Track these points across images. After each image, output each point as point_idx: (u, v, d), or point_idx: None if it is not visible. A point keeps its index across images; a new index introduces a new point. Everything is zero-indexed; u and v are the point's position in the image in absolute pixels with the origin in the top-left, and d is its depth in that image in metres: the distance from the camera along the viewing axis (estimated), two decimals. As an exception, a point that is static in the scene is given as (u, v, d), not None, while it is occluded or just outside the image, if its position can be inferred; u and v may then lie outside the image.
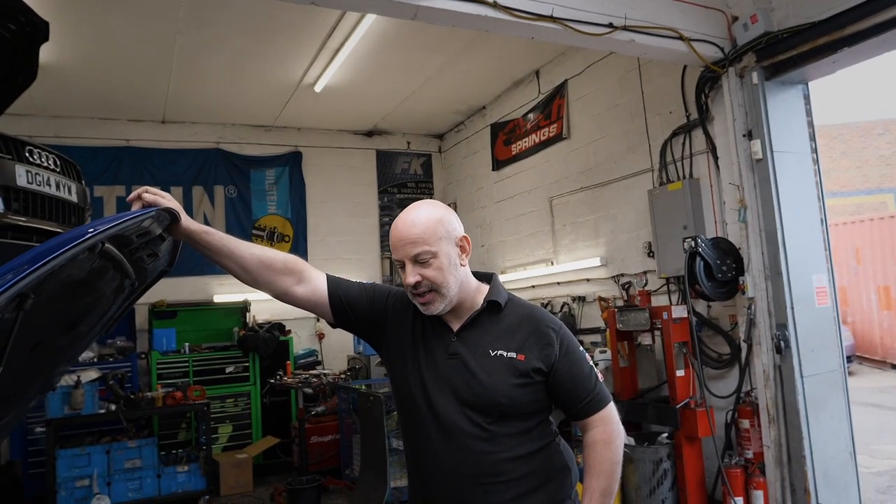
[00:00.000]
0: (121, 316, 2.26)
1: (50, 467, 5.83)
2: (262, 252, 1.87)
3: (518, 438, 1.80)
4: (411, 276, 1.80)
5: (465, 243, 1.89)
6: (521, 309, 1.92)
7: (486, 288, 1.94)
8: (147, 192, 1.72)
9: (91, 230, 1.29)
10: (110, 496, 5.90)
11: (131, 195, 1.71)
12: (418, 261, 1.80)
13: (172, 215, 1.71)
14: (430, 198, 9.67)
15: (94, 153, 7.67)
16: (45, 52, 5.82)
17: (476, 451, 1.77)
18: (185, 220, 1.78)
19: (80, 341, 2.15)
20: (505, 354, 1.82)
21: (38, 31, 2.83)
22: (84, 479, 5.92)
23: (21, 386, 2.01)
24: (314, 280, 1.93)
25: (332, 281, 1.96)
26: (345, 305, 1.94)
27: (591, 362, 1.91)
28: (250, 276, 1.85)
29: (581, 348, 1.91)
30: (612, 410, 1.88)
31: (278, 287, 1.88)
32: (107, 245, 1.46)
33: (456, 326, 1.89)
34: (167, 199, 1.73)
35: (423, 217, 1.83)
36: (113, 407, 6.12)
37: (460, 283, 1.86)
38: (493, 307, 1.89)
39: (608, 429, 1.85)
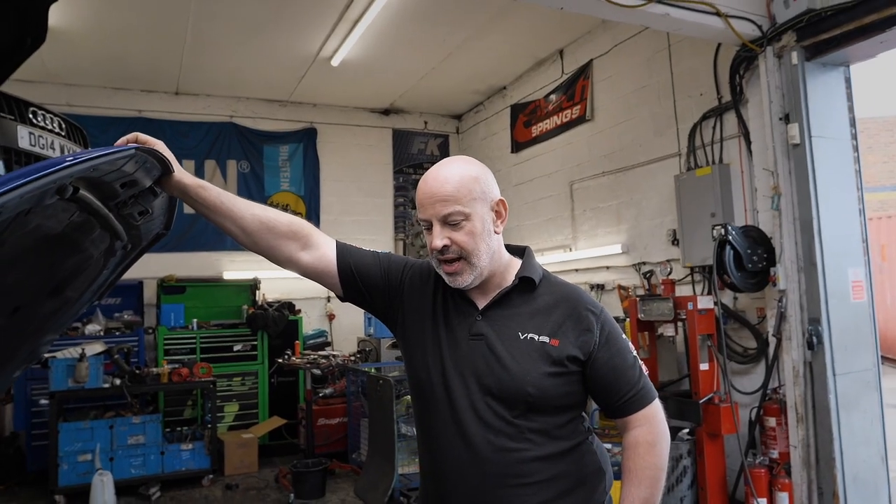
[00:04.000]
0: (114, 282, 2.08)
1: (52, 441, 5.72)
2: (265, 213, 1.66)
3: (547, 435, 1.59)
4: (439, 238, 1.58)
5: (501, 208, 1.67)
6: (557, 288, 1.70)
7: (518, 263, 1.72)
8: (138, 137, 1.54)
9: (51, 166, 1.10)
10: (112, 472, 5.75)
11: (121, 139, 1.52)
12: (448, 222, 1.58)
13: (163, 164, 1.51)
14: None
15: (107, 123, 7.50)
16: (58, 16, 5.70)
17: (498, 447, 1.56)
18: (179, 173, 1.58)
19: (69, 308, 1.98)
20: (536, 338, 1.60)
21: (48, -11, 2.66)
22: (86, 454, 5.81)
23: (1, 354, 1.84)
24: (322, 246, 1.72)
25: (341, 248, 1.75)
26: (355, 276, 1.73)
27: (635, 352, 1.69)
28: (250, 239, 1.65)
29: (624, 336, 1.70)
30: (657, 408, 1.66)
31: (281, 253, 1.68)
32: (82, 192, 1.27)
33: (482, 304, 1.67)
34: (160, 148, 1.54)
35: (458, 173, 1.61)
36: (118, 381, 6.01)
37: (492, 254, 1.64)
38: (525, 284, 1.67)
39: (653, 429, 1.63)
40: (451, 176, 1.61)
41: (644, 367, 1.68)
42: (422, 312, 1.72)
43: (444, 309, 1.70)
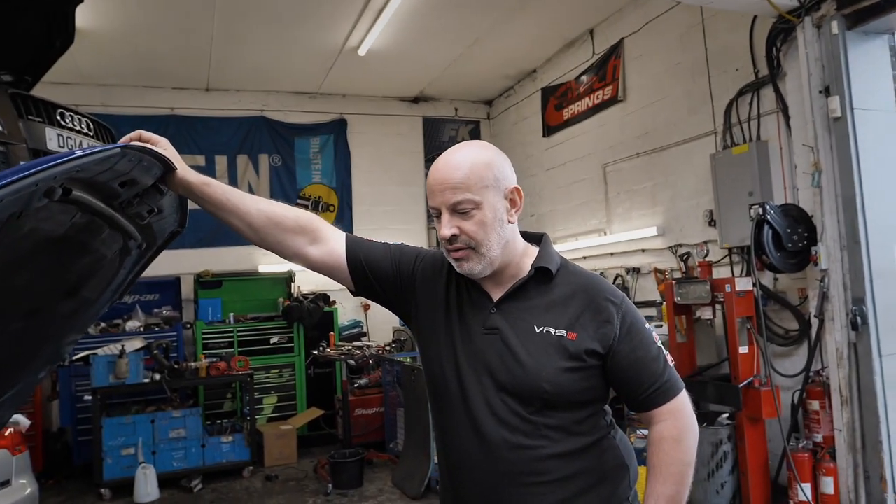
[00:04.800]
0: (133, 281, 2.08)
1: (96, 435, 5.87)
2: (271, 208, 1.62)
3: (565, 431, 1.52)
4: (447, 227, 1.52)
5: (516, 196, 1.60)
6: (575, 278, 1.62)
7: (534, 251, 1.65)
8: (141, 136, 1.52)
9: (30, 168, 1.07)
10: (155, 465, 5.90)
11: (124, 137, 1.51)
12: (458, 210, 1.52)
13: (162, 161, 1.49)
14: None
15: (140, 122, 7.58)
16: (87, 18, 5.79)
17: (514, 445, 1.50)
18: (183, 170, 1.55)
19: (89, 308, 1.99)
20: (553, 332, 1.52)
21: (73, -9, 2.69)
22: (129, 448, 5.95)
23: (22, 355, 1.86)
24: (331, 240, 1.67)
25: (351, 241, 1.70)
26: (366, 270, 1.68)
27: (659, 342, 1.60)
28: (257, 235, 1.62)
29: (647, 325, 1.60)
30: (683, 401, 1.57)
31: (289, 248, 1.64)
32: (76, 193, 1.25)
33: (497, 295, 1.60)
34: (161, 146, 1.52)
35: (469, 159, 1.54)
36: (157, 377, 6.12)
37: (505, 244, 1.57)
38: (542, 274, 1.60)
39: (679, 423, 1.54)
40: (462, 162, 1.54)
41: (670, 359, 1.60)
42: (435, 305, 1.67)
43: (458, 301, 1.64)
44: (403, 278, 1.70)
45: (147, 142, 1.51)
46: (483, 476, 1.53)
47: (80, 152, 1.19)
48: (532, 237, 1.69)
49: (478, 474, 1.54)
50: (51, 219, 1.30)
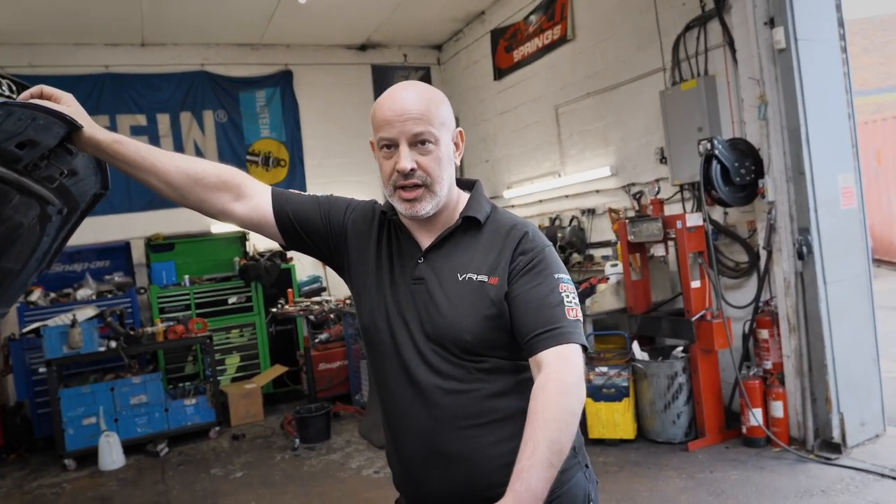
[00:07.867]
0: (59, 248, 1.98)
1: (54, 407, 5.76)
2: (191, 164, 1.54)
3: (498, 372, 1.50)
4: (407, 159, 1.46)
5: (459, 139, 1.58)
6: (501, 224, 1.58)
7: (465, 199, 1.61)
8: (42, 91, 1.42)
9: None
10: (119, 432, 5.84)
11: (24, 93, 1.41)
12: (418, 142, 1.48)
13: (64, 120, 1.39)
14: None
15: (73, 82, 7.22)
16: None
17: (448, 390, 1.48)
18: (90, 129, 1.45)
19: (13, 280, 1.89)
20: (475, 278, 1.49)
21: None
22: (91, 417, 5.85)
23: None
24: (256, 195, 1.60)
25: (277, 195, 1.63)
26: (294, 223, 1.62)
27: (571, 299, 1.48)
28: (178, 194, 1.54)
29: (562, 277, 1.51)
30: (577, 352, 1.42)
31: (213, 206, 1.57)
32: None
33: (426, 243, 1.58)
34: (65, 103, 1.42)
35: (426, 94, 1.51)
36: (113, 344, 6.00)
37: (451, 185, 1.55)
38: (470, 224, 1.57)
39: (567, 373, 1.37)
40: (422, 95, 1.50)
41: (579, 315, 1.47)
42: (366, 256, 1.63)
43: (389, 251, 1.61)
44: (334, 230, 1.66)
45: (49, 98, 1.41)
46: (420, 423, 1.52)
47: None
48: (465, 184, 1.66)
49: (415, 422, 1.53)
50: None
